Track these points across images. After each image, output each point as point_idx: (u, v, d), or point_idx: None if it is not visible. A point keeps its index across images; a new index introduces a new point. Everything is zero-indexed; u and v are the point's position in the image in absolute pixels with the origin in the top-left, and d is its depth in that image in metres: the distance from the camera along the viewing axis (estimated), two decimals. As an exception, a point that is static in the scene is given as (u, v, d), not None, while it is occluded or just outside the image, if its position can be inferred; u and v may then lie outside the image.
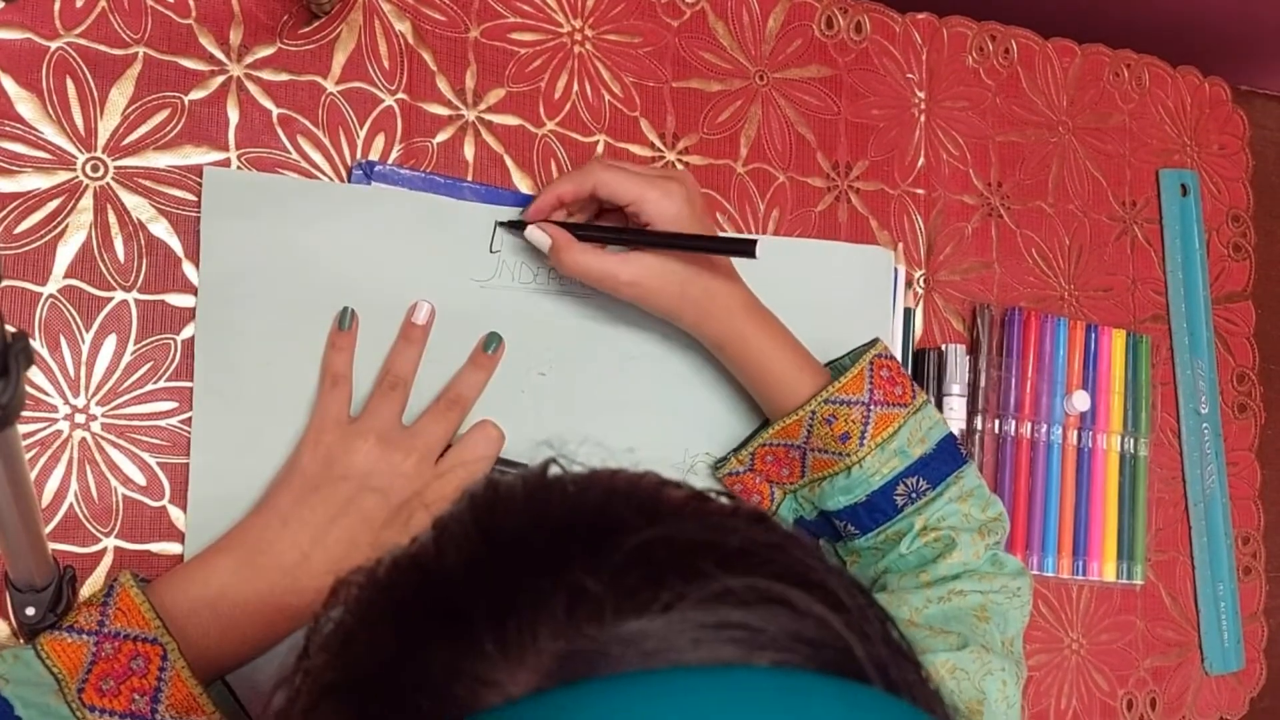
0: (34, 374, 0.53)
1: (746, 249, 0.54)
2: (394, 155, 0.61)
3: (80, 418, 0.54)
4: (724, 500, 0.29)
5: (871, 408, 0.59)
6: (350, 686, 0.26)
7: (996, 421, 0.75)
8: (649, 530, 0.25)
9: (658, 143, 0.68)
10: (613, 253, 0.57)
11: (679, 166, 0.68)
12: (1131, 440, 0.80)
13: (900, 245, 0.74)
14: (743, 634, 0.23)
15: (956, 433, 0.70)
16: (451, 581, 0.26)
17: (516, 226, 0.61)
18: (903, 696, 0.25)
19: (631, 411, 0.64)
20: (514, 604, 0.24)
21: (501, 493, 0.28)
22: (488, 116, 0.64)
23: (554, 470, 0.29)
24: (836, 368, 0.63)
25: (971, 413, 0.74)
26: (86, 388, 0.54)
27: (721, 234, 0.68)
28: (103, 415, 0.54)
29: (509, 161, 0.64)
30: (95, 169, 0.55)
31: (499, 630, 0.23)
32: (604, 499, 0.27)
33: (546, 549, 0.25)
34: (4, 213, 0.53)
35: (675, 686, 0.22)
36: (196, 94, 0.57)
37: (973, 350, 0.75)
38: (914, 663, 0.27)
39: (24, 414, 0.47)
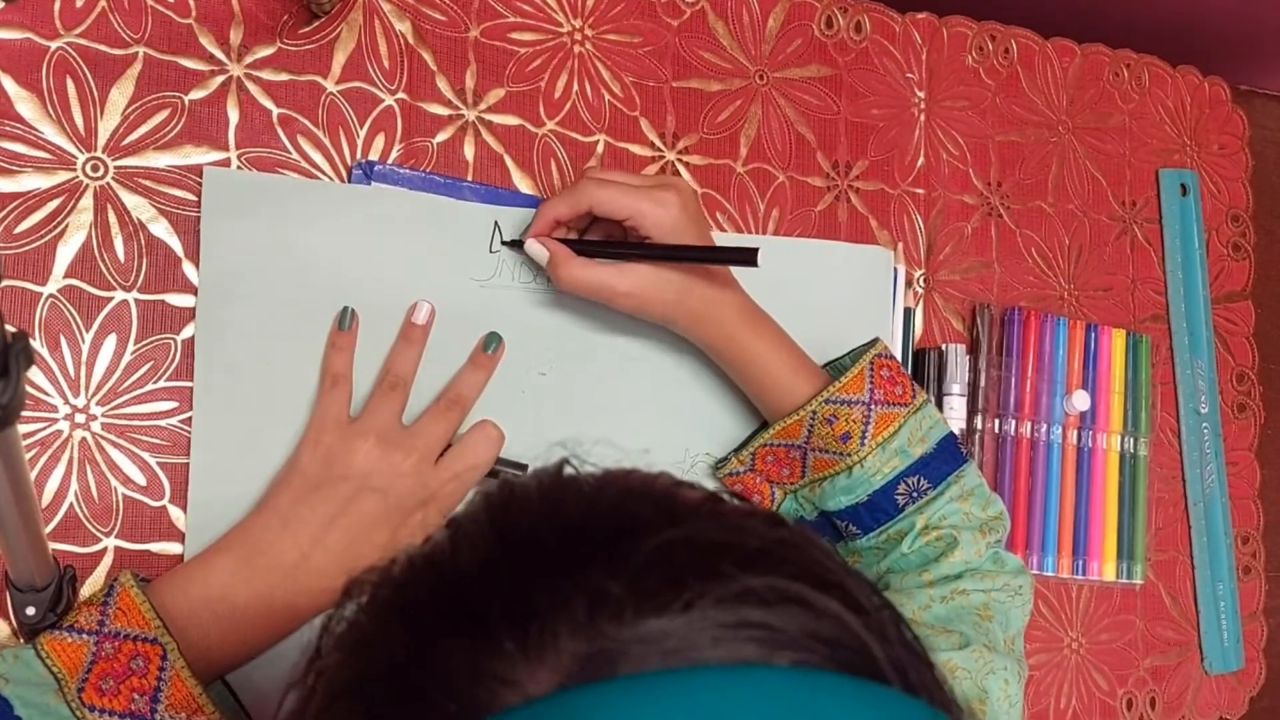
0: (34, 374, 0.53)
1: (749, 259, 0.54)
2: (394, 155, 0.61)
3: (80, 418, 0.54)
4: (738, 502, 0.29)
5: (872, 407, 0.59)
6: (366, 686, 0.26)
7: (996, 421, 0.75)
8: (668, 531, 0.25)
9: (658, 142, 0.68)
10: (609, 265, 0.57)
11: (679, 166, 0.68)
12: (1131, 440, 0.80)
13: (900, 245, 0.74)
14: (763, 633, 0.23)
15: (956, 432, 0.70)
16: (467, 581, 0.26)
17: (516, 245, 0.61)
18: (920, 698, 0.25)
19: (632, 411, 0.64)
20: (532, 604, 0.24)
21: (516, 492, 0.28)
22: (488, 116, 0.64)
23: (568, 471, 0.29)
24: (837, 367, 0.64)
25: (971, 412, 0.74)
26: (86, 388, 0.54)
27: (721, 242, 0.68)
28: (103, 415, 0.54)
29: (509, 161, 0.64)
30: (95, 169, 0.55)
31: (519, 630, 0.23)
32: (619, 499, 0.27)
33: (563, 548, 0.25)
34: (4, 213, 0.53)
35: (695, 685, 0.22)
36: (196, 94, 0.57)
37: (972, 350, 0.75)
38: (929, 665, 0.27)
39: (24, 414, 0.47)
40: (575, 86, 0.66)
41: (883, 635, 0.25)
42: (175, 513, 0.55)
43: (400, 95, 0.62)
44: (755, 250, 0.54)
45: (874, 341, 0.63)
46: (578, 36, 0.67)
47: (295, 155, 0.59)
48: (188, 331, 0.56)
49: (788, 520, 0.29)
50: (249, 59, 0.59)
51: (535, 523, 0.27)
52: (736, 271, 0.61)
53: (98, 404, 0.54)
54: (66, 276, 0.54)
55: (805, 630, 0.24)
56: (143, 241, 0.56)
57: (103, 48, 0.56)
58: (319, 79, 0.60)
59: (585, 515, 0.27)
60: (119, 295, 0.55)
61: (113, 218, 0.55)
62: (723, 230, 0.69)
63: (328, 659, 0.27)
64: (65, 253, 0.54)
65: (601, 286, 0.57)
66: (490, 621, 0.24)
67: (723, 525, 0.27)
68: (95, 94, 0.55)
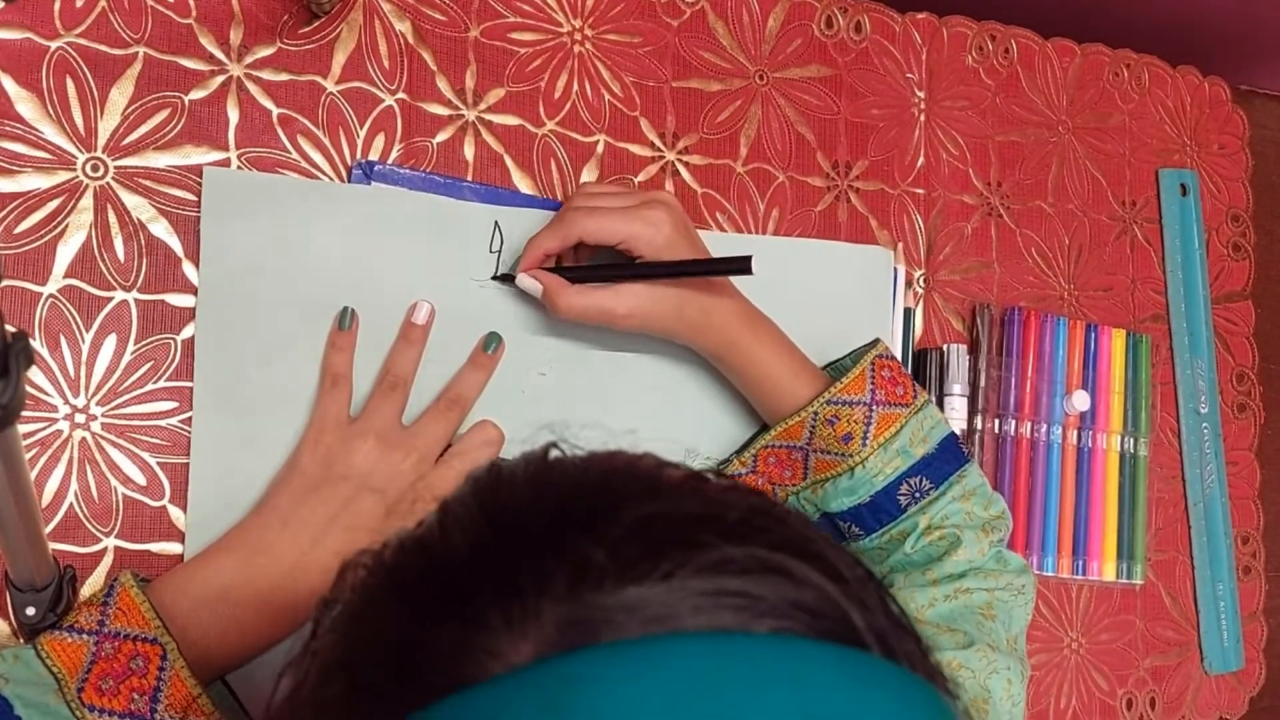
0: (34, 374, 0.53)
1: (744, 267, 0.54)
2: (394, 155, 0.61)
3: (80, 417, 0.54)
4: (721, 480, 0.29)
5: (873, 408, 0.59)
6: (358, 663, 0.26)
7: (996, 421, 0.75)
8: (649, 504, 0.26)
9: (657, 142, 0.68)
10: (604, 288, 0.57)
11: (679, 166, 0.68)
12: (1131, 440, 0.80)
13: (900, 245, 0.74)
14: (742, 601, 0.24)
15: (958, 432, 0.70)
16: (456, 562, 0.26)
17: (508, 279, 0.61)
18: (901, 665, 0.25)
19: (632, 412, 0.64)
20: (518, 581, 0.24)
21: (504, 475, 0.28)
22: (488, 116, 0.64)
23: (554, 453, 0.29)
24: (837, 368, 0.63)
25: (971, 412, 0.74)
26: (86, 388, 0.54)
27: (720, 244, 0.68)
28: (103, 415, 0.54)
29: (509, 161, 0.64)
30: (95, 169, 0.55)
31: (503, 605, 0.24)
32: (604, 478, 0.28)
33: (548, 526, 0.26)
34: (4, 213, 0.53)
35: (674, 652, 0.22)
36: (196, 94, 0.57)
37: (973, 350, 0.75)
38: (914, 636, 0.27)
39: (24, 414, 0.47)
40: (575, 86, 0.66)
41: (863, 603, 0.25)
42: (175, 513, 0.55)
43: (400, 95, 0.62)
44: (749, 258, 0.54)
45: (875, 342, 0.63)
46: (578, 36, 0.67)
47: (295, 155, 0.59)
48: (188, 331, 0.56)
49: (768, 495, 0.29)
50: (249, 59, 0.59)
51: (522, 504, 0.27)
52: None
53: (98, 404, 0.54)
54: (66, 276, 0.54)
55: (785, 598, 0.24)
56: (143, 241, 0.56)
57: (103, 48, 0.56)
58: (319, 79, 0.60)
59: (570, 494, 0.27)
60: (119, 295, 0.55)
61: (113, 218, 0.55)
62: (723, 230, 0.69)
63: (322, 640, 0.28)
64: (65, 253, 0.54)
65: (601, 311, 0.57)
66: (477, 600, 0.24)
67: (704, 499, 0.27)
68: (95, 94, 0.55)
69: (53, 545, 0.51)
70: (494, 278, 0.61)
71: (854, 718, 0.22)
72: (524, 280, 0.59)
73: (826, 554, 0.26)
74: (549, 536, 0.25)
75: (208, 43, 0.58)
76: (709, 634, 0.23)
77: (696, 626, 0.23)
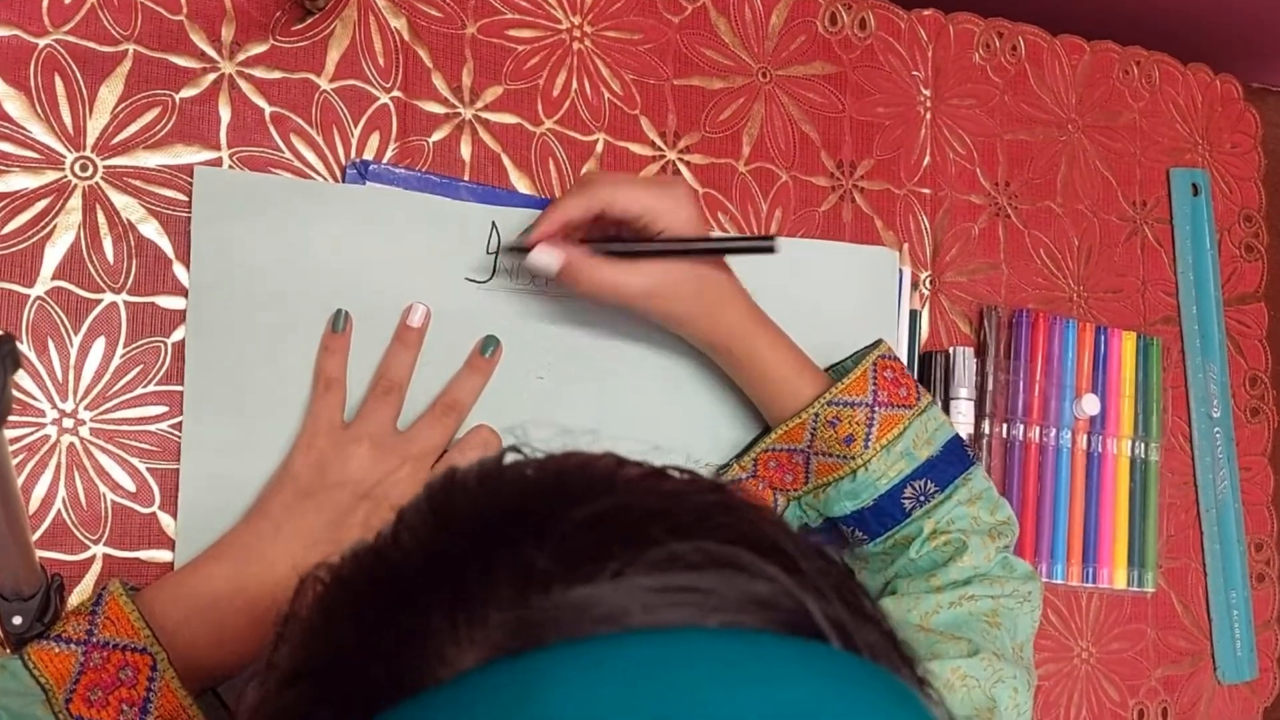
0: (21, 378, 0.53)
1: (768, 246, 0.56)
2: (389, 154, 0.60)
3: (68, 422, 0.53)
4: (681, 475, 0.29)
5: (876, 409, 0.58)
6: (315, 674, 0.26)
7: (1004, 425, 0.74)
8: (598, 502, 0.25)
9: (658, 141, 0.67)
10: (625, 264, 0.55)
11: (680, 165, 0.67)
12: (1142, 445, 0.78)
13: (906, 246, 0.73)
14: (693, 597, 0.23)
15: (964, 436, 0.69)
16: (408, 568, 0.26)
17: (519, 251, 0.57)
18: (863, 655, 0.25)
19: (631, 416, 0.63)
20: (465, 585, 0.24)
21: (456, 480, 0.28)
22: (485, 115, 0.63)
23: (512, 457, 0.29)
24: (839, 370, 0.63)
25: (979, 416, 0.73)
26: (75, 392, 0.53)
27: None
28: (91, 420, 0.53)
29: (506, 161, 0.63)
30: (84, 168, 0.54)
31: (451, 611, 0.24)
32: (557, 478, 0.28)
33: (497, 530, 0.25)
34: (-9, 213, 0.53)
35: (625, 651, 0.22)
36: (187, 92, 0.57)
37: (980, 353, 0.74)
38: (880, 627, 0.27)
39: (11, 418, 0.46)
40: (574, 84, 0.65)
41: (820, 593, 0.25)
42: (165, 519, 0.54)
43: (395, 93, 0.61)
44: (773, 238, 0.55)
45: (877, 343, 0.62)
46: (576, 33, 0.66)
47: (288, 154, 0.58)
48: (178, 334, 0.55)
49: (729, 488, 0.29)
50: (241, 56, 0.58)
51: (474, 508, 0.27)
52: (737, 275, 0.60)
53: (86, 408, 0.53)
54: (55, 278, 0.54)
55: (737, 592, 0.24)
56: (132, 242, 0.55)
57: (92, 45, 0.55)
58: (312, 76, 0.59)
59: (521, 496, 0.27)
60: (108, 297, 0.54)
61: (102, 218, 0.55)
62: (723, 231, 0.68)
63: (280, 653, 0.28)
64: (53, 254, 0.54)
65: (620, 286, 0.55)
66: (428, 607, 0.24)
67: (659, 495, 0.27)
68: (84, 92, 0.55)
69: (40, 553, 0.50)
70: (498, 249, 0.59)
71: (810, 709, 0.22)
72: (539, 257, 0.54)
73: (783, 545, 0.26)
74: (498, 540, 0.25)
75: (199, 40, 0.57)
76: (660, 631, 0.23)
77: (647, 624, 0.23)
